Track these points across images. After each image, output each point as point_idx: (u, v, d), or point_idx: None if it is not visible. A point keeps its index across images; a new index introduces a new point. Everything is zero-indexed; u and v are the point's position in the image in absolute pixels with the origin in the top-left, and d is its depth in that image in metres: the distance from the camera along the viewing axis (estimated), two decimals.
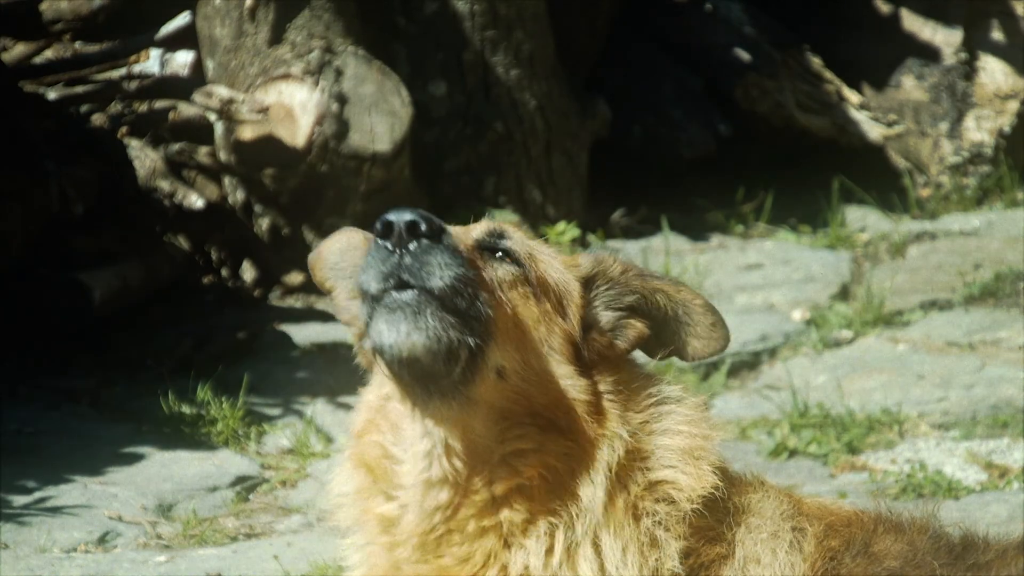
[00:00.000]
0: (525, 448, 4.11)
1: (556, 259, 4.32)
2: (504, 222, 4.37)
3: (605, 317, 4.25)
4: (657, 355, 4.27)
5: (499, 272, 4.17)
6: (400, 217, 4.00)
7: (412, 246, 4.00)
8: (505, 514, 4.12)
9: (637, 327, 4.24)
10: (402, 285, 3.99)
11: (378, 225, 4.03)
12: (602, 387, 4.18)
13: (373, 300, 4.02)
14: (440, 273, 3.99)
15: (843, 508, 4.27)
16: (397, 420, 4.22)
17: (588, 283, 4.28)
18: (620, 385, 4.20)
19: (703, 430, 4.20)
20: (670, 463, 4.15)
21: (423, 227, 4.00)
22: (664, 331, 4.26)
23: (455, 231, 4.23)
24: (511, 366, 4.10)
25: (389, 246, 4.00)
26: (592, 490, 4.10)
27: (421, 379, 4.06)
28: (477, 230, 4.27)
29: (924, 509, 4.30)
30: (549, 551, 4.11)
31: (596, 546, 4.11)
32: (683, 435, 4.17)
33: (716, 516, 4.16)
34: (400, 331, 3.97)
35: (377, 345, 4.02)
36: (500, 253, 4.21)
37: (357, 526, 4.31)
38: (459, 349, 4.00)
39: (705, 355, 4.27)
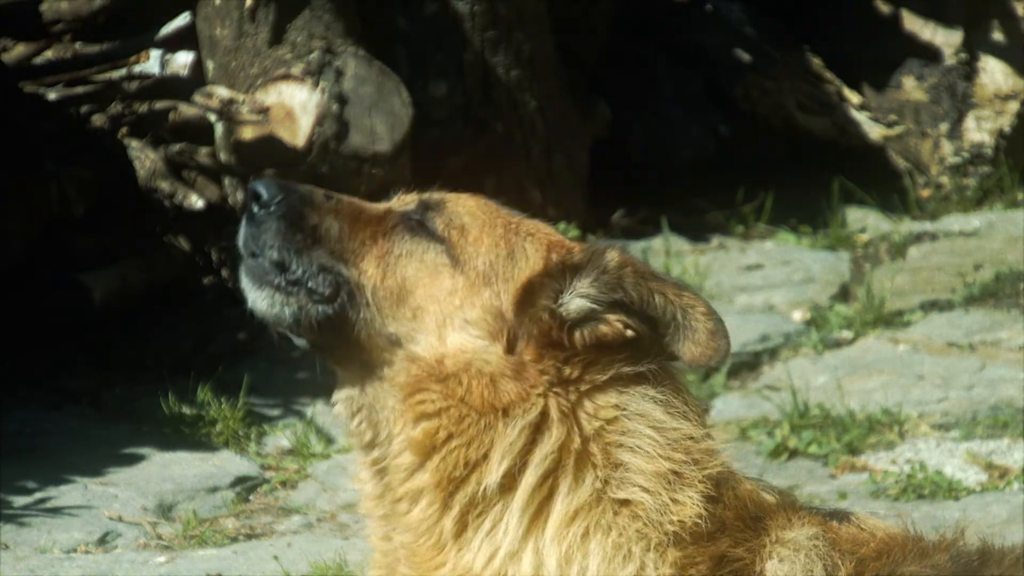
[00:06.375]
0: (428, 411, 4.12)
1: (522, 237, 4.27)
2: (453, 193, 4.41)
3: (575, 305, 4.13)
4: (651, 357, 4.15)
5: (404, 244, 4.24)
6: (253, 186, 4.26)
7: (257, 214, 4.25)
8: (424, 478, 4.13)
9: (611, 324, 4.12)
10: (252, 253, 4.27)
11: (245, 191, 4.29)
12: (540, 373, 4.11)
13: (241, 259, 4.31)
14: (271, 242, 4.23)
15: (875, 536, 4.19)
16: None
17: (573, 270, 4.18)
18: (575, 382, 4.12)
19: (683, 455, 4.10)
20: (636, 483, 4.07)
21: (264, 197, 4.24)
22: (665, 333, 4.14)
23: (403, 198, 4.39)
24: (405, 332, 4.16)
25: (246, 214, 4.27)
26: (492, 469, 4.08)
27: (300, 337, 4.29)
28: (413, 203, 4.35)
29: (943, 518, 4.30)
30: (487, 534, 4.11)
31: (536, 552, 4.07)
32: (654, 458, 4.08)
33: (747, 546, 4.09)
34: (250, 295, 4.26)
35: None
36: (423, 226, 4.27)
37: None
38: (302, 314, 4.20)
39: (702, 363, 4.14)
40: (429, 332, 4.15)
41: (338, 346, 4.21)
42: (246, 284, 4.25)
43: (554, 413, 4.10)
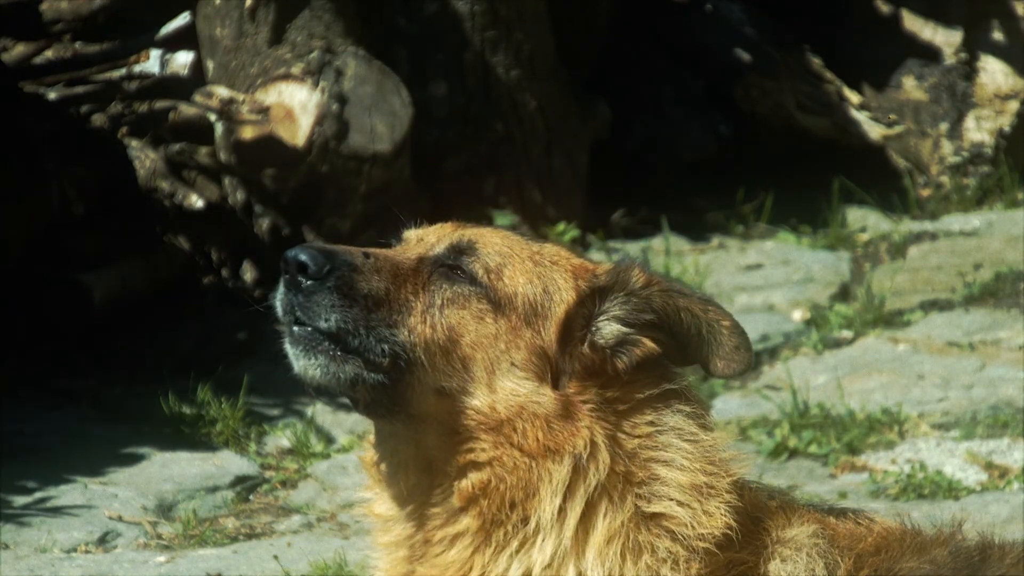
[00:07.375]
0: (479, 460, 4.15)
1: (550, 268, 4.29)
2: (481, 228, 4.39)
3: (609, 330, 4.21)
4: (679, 368, 4.25)
5: (444, 294, 4.23)
6: (295, 255, 4.20)
7: (304, 284, 4.19)
8: (466, 523, 4.16)
9: (646, 345, 4.20)
10: (297, 321, 4.22)
11: (282, 259, 4.22)
12: (584, 403, 4.17)
13: (283, 325, 4.26)
14: (326, 315, 4.18)
15: (872, 530, 4.22)
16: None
17: (601, 293, 4.25)
18: (614, 403, 4.18)
19: (714, 467, 4.17)
20: (671, 496, 4.14)
21: (311, 268, 4.18)
22: (689, 347, 4.21)
23: (421, 235, 4.37)
24: (455, 384, 4.17)
25: (286, 281, 4.21)
26: (543, 507, 4.12)
27: (346, 398, 4.27)
28: (441, 244, 4.31)
29: (943, 518, 4.30)
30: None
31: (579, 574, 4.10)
32: (688, 470, 4.15)
33: (750, 549, 4.14)
34: (300, 362, 4.23)
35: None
36: (459, 271, 4.25)
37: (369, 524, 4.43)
38: (358, 381, 4.18)
39: (727, 375, 4.25)
40: (479, 381, 4.17)
41: (387, 404, 4.20)
42: (294, 352, 4.23)
43: (600, 439, 4.15)
